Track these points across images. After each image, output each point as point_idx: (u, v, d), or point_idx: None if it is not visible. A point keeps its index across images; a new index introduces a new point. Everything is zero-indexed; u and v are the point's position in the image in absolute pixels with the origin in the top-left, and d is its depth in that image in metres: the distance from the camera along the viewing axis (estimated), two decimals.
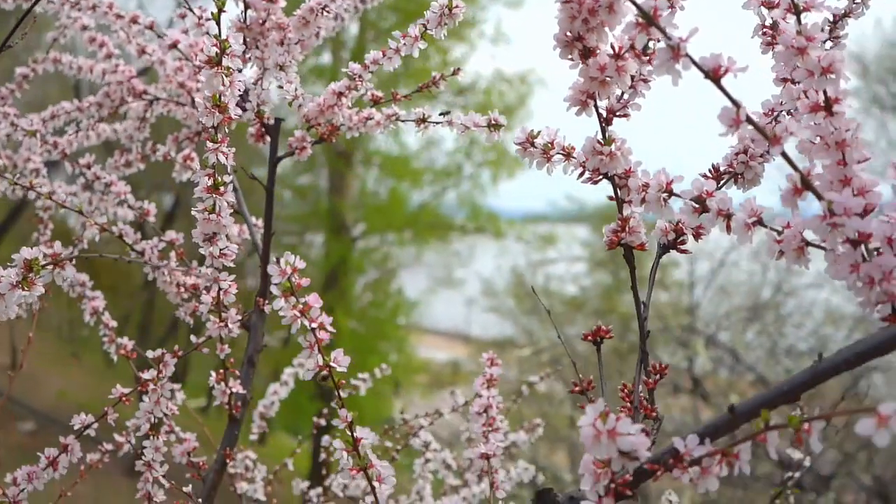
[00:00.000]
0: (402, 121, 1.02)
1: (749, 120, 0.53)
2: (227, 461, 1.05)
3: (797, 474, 1.17)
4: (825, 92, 0.57)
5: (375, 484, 0.69)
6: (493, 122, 0.90)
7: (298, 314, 0.66)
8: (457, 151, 12.11)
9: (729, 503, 6.46)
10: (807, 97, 0.58)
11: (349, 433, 0.69)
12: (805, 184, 0.54)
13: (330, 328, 0.67)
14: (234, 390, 1.02)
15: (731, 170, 0.72)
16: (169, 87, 1.22)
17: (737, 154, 0.72)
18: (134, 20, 1.14)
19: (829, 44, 0.76)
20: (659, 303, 9.09)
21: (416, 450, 1.40)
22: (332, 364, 0.67)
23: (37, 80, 1.40)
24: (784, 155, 0.54)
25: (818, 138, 0.58)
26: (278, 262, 0.65)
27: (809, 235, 0.58)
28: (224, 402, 1.03)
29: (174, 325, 8.97)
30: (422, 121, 1.01)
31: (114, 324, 1.17)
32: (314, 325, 0.66)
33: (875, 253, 0.56)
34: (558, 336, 0.87)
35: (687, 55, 0.53)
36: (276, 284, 0.65)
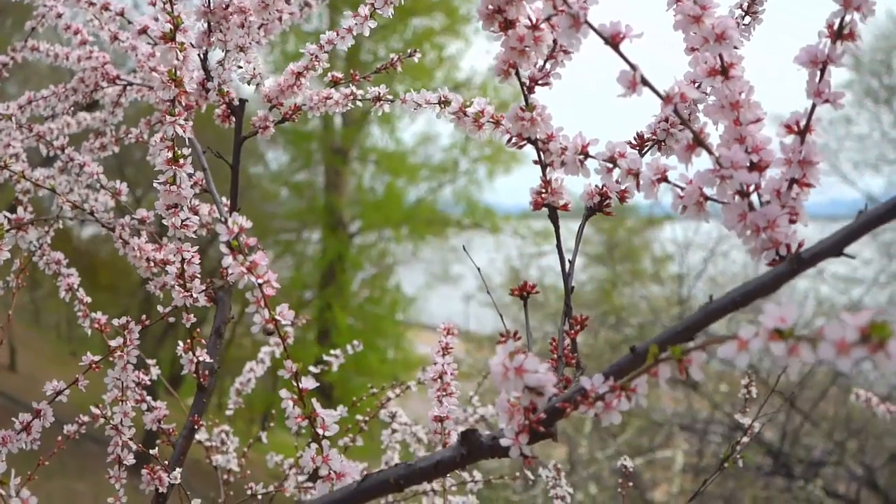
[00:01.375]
0: (360, 100, 1.07)
1: (644, 81, 0.58)
2: (196, 428, 1.09)
3: (745, 439, 1.21)
4: (721, 57, 0.61)
5: (319, 431, 0.73)
6: (443, 99, 0.95)
7: (245, 271, 0.70)
8: (453, 147, 12.17)
9: (721, 493, 6.53)
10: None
11: (295, 384, 0.74)
12: (697, 141, 0.59)
13: (276, 284, 0.71)
14: (201, 359, 1.07)
15: (654, 137, 0.77)
16: (142, 73, 1.27)
17: (659, 122, 0.77)
18: (105, 7, 1.18)
19: (747, 18, 0.81)
20: (653, 296, 9.15)
21: (385, 422, 1.45)
22: (277, 318, 0.72)
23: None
24: (678, 114, 0.59)
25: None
26: (226, 221, 0.69)
27: (709, 191, 0.63)
28: (191, 370, 1.07)
29: (172, 322, 9.03)
30: (377, 99, 1.05)
31: (88, 300, 1.21)
32: (261, 280, 0.71)
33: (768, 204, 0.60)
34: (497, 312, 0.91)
35: (586, 23, 0.58)
36: (223, 243, 0.69)
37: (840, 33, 0.59)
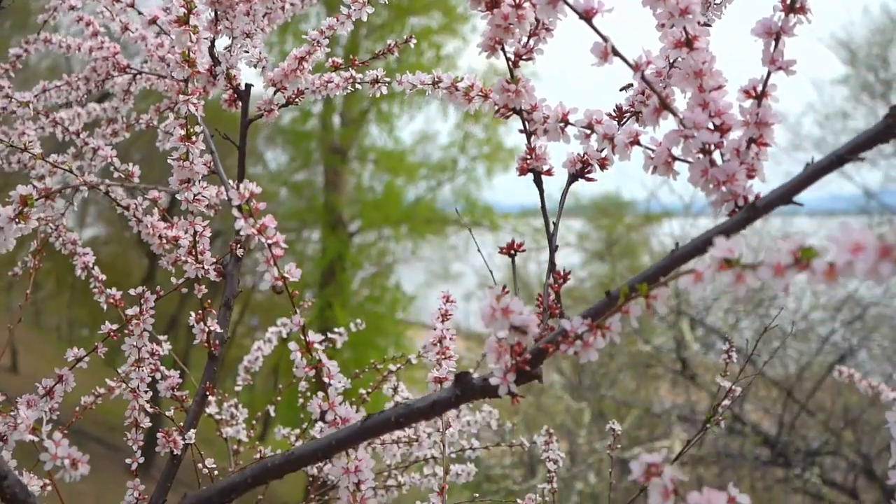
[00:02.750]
0: (359, 82, 1.14)
1: (615, 52, 0.65)
2: (207, 394, 1.16)
3: (727, 402, 1.27)
4: (685, 30, 0.68)
5: (325, 380, 0.80)
6: (436, 80, 1.01)
7: (256, 232, 0.77)
8: (451, 145, 12.25)
9: (720, 484, 6.58)
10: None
11: (303, 337, 0.80)
12: (663, 104, 0.66)
13: (283, 245, 0.78)
14: (212, 329, 1.13)
15: (632, 109, 0.83)
16: (151, 62, 1.33)
17: (636, 95, 0.83)
18: None
19: None
20: None
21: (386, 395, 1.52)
22: (286, 275, 0.78)
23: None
24: (644, 80, 0.66)
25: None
26: (238, 187, 0.76)
27: (677, 152, 0.69)
28: (203, 340, 1.14)
29: (173, 322, 9.11)
30: (375, 81, 1.12)
31: (103, 277, 1.28)
32: (270, 241, 0.77)
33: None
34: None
35: (563, 0, 0.64)
36: (235, 207, 0.76)
37: (792, 7, 0.66)
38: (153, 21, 1.23)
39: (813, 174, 0.60)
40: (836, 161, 0.60)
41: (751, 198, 0.65)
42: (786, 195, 0.61)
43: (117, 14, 1.29)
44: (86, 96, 1.39)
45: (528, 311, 0.65)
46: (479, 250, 1.17)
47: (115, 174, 1.28)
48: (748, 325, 7.72)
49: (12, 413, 0.80)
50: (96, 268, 1.28)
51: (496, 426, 1.58)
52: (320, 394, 0.80)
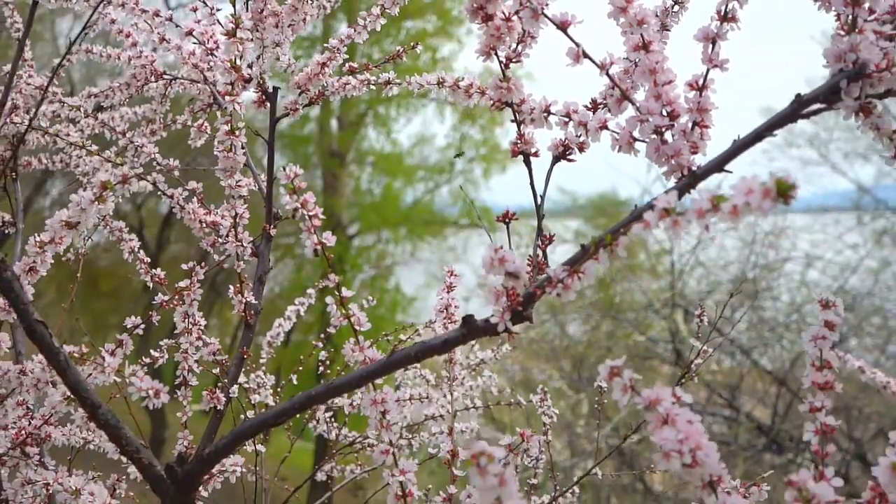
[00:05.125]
0: (373, 84, 1.31)
1: (585, 55, 0.82)
2: (245, 357, 1.33)
3: (700, 361, 1.44)
4: (642, 36, 0.85)
5: (356, 327, 0.97)
6: (440, 80, 1.18)
7: (300, 206, 0.94)
8: (448, 147, 12.43)
9: None
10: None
11: (337, 293, 0.97)
12: (624, 96, 0.83)
13: (321, 216, 0.95)
14: (248, 300, 1.30)
15: (603, 101, 1.00)
16: (185, 68, 1.50)
17: (608, 90, 1.00)
18: (156, 14, 1.42)
19: (676, 7, 1.05)
20: (650, 290, 9.41)
21: None
22: (323, 240, 0.96)
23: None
24: (609, 77, 0.83)
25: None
26: (284, 168, 0.93)
27: (636, 134, 0.87)
28: (240, 310, 1.31)
29: (174, 328, 9.31)
30: (387, 83, 1.29)
31: (148, 260, 1.45)
32: (311, 213, 0.94)
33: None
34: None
35: (543, 14, 0.81)
36: (283, 185, 0.93)
37: (725, 16, 0.83)
38: (189, 33, 1.40)
39: (739, 147, 0.77)
40: (755, 137, 0.77)
41: (694, 168, 0.82)
42: (718, 165, 0.78)
43: (157, 27, 1.46)
44: (126, 101, 1.56)
45: (519, 259, 0.82)
46: (491, 243, 1.33)
47: (158, 168, 1.46)
48: (742, 318, 7.91)
49: (97, 360, 0.97)
50: (142, 252, 1.46)
51: (496, 391, 1.75)
52: (351, 339, 0.98)
